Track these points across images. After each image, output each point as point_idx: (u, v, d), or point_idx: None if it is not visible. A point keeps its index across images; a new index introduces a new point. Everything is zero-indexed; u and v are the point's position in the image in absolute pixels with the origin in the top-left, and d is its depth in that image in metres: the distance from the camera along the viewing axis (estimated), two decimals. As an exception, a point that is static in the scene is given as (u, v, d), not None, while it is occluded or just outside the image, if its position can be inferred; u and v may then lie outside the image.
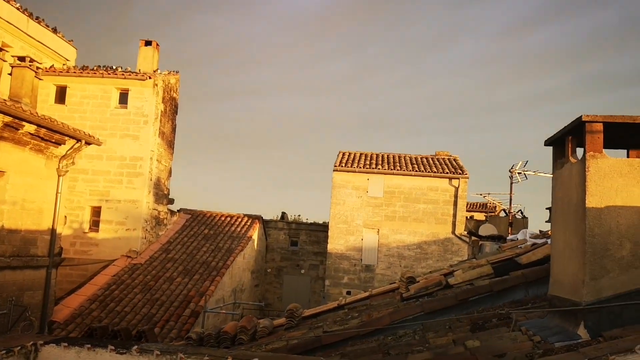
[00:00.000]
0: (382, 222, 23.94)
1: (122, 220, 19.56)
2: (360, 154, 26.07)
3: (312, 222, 27.84)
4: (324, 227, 26.22)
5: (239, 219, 24.88)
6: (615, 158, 4.24)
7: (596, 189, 4.17)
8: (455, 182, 23.95)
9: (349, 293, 21.54)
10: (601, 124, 4.23)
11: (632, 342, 2.43)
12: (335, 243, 23.72)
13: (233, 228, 23.79)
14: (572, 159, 4.55)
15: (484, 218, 30.76)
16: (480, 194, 31.32)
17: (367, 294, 9.14)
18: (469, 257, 17.63)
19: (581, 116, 4.26)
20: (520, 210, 25.98)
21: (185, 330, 14.46)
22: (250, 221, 24.75)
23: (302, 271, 26.31)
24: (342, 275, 23.64)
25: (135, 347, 2.86)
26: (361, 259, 23.75)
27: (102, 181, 19.67)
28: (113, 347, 2.94)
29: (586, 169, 4.19)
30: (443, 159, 26.33)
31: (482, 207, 39.16)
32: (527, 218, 25.67)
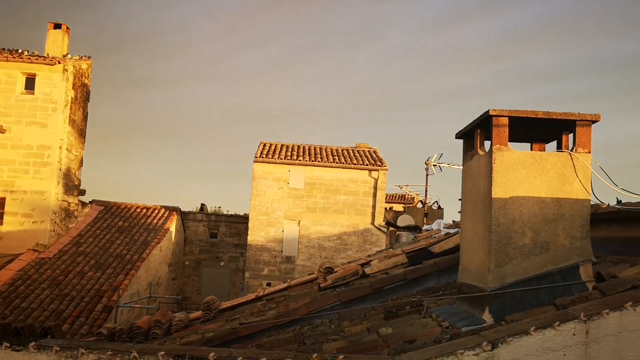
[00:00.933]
0: (303, 213, 24.05)
1: (29, 212, 18.50)
2: (282, 145, 26.03)
3: (232, 213, 27.55)
4: (244, 219, 26.01)
5: (156, 211, 24.19)
6: (519, 151, 4.45)
7: (501, 180, 4.35)
8: (375, 174, 24.43)
9: (269, 285, 21.51)
10: (507, 118, 4.41)
11: (528, 324, 2.56)
12: (256, 235, 23.59)
13: (149, 220, 23.10)
14: (480, 152, 4.72)
15: (402, 209, 31.62)
16: (399, 186, 32.17)
17: (285, 285, 9.15)
18: (387, 247, 18.08)
19: (488, 110, 4.42)
20: (437, 201, 26.91)
21: (97, 326, 13.91)
22: (167, 213, 24.13)
23: (222, 263, 26.00)
24: (262, 267, 23.56)
25: (33, 343, 2.69)
26: (282, 251, 23.77)
27: (6, 171, 18.51)
28: (8, 345, 2.75)
29: (492, 161, 4.36)
30: (363, 151, 26.77)
31: (401, 198, 40.26)
32: (442, 209, 26.64)
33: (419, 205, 30.36)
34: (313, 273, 10.18)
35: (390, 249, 11.41)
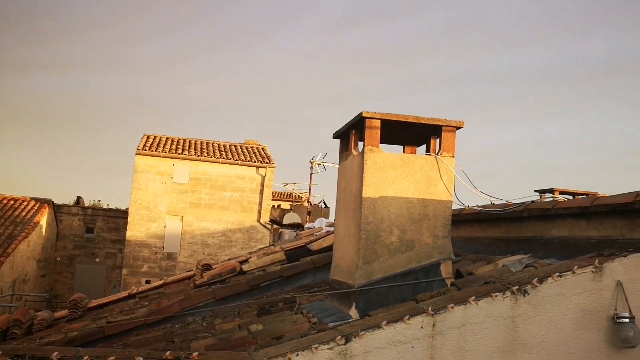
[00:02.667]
0: (187, 209, 23.48)
1: None
2: (167, 138, 25.23)
3: (112, 207, 26.29)
4: (124, 214, 24.90)
5: (25, 203, 22.49)
6: (389, 153, 4.62)
7: (372, 180, 4.50)
8: (262, 171, 24.40)
9: (148, 282, 20.77)
10: (379, 120, 4.57)
11: (381, 319, 2.68)
12: (136, 230, 22.68)
13: (17, 212, 21.42)
14: (354, 152, 4.86)
15: (290, 207, 31.85)
16: (286, 184, 32.36)
17: (161, 282, 8.88)
18: (270, 244, 18.13)
19: (362, 112, 4.56)
20: (323, 200, 27.39)
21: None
22: (38, 205, 22.52)
23: (97, 260, 24.71)
24: (141, 263, 22.70)
25: None
26: (163, 247, 23.05)
27: None
28: None
29: (364, 162, 4.50)
30: (252, 147, 26.64)
31: (289, 196, 40.54)
32: (329, 207, 27.17)
33: (307, 203, 30.77)
34: (191, 270, 9.97)
35: (272, 246, 11.45)
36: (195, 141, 25.73)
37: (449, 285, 4.39)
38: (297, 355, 2.48)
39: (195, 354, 2.35)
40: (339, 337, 2.58)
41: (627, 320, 2.90)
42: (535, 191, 8.49)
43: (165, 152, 23.21)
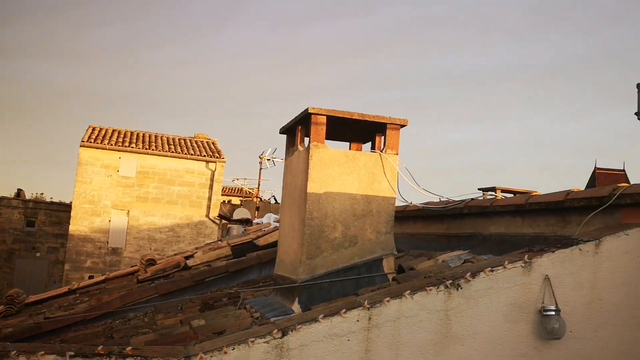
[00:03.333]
0: (134, 203, 23.00)
1: None
2: (113, 131, 24.61)
3: (54, 201, 25.47)
4: (67, 207, 24.17)
5: (-38, 195, 21.55)
6: (335, 149, 4.67)
7: (317, 176, 4.54)
8: (212, 166, 24.14)
9: (91, 277, 20.25)
10: (325, 116, 4.61)
11: (318, 312, 2.72)
12: (79, 224, 22.05)
13: (-48, 205, 20.50)
14: (300, 148, 4.88)
15: (240, 202, 31.60)
16: (236, 179, 32.10)
17: (103, 277, 8.67)
18: (218, 240, 17.96)
19: (308, 108, 4.59)
20: (273, 195, 27.33)
21: None
22: (-25, 198, 21.60)
23: (38, 254, 23.91)
24: (84, 258, 22.10)
25: None
26: (108, 242, 22.51)
27: None
28: None
29: (309, 157, 4.53)
30: (202, 141, 26.30)
31: (239, 192, 40.23)
32: (279, 203, 27.10)
33: (257, 199, 30.60)
34: (136, 265, 9.79)
35: (219, 242, 11.37)
36: (143, 134, 25.20)
37: (390, 280, 4.48)
38: (234, 349, 2.49)
39: (128, 348, 2.33)
40: (275, 331, 2.60)
41: (553, 312, 3.04)
42: (479, 189, 8.75)
43: (112, 145, 22.64)
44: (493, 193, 7.39)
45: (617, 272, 3.26)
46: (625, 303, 3.26)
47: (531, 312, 3.09)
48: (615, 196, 3.58)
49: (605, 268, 3.25)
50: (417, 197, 5.37)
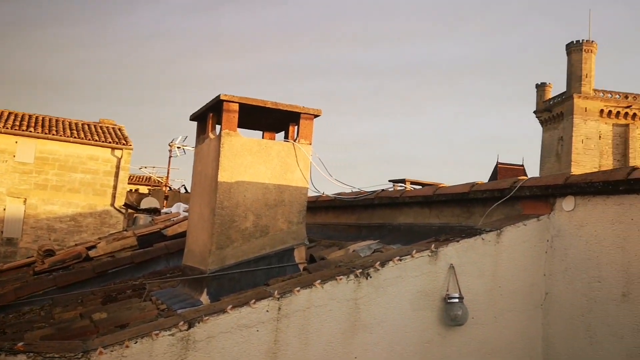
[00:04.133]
0: (31, 190, 21.64)
1: None
2: (9, 113, 22.98)
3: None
4: (-45, 194, 22.35)
5: None
6: (247, 137, 4.59)
7: (228, 164, 4.44)
8: (118, 153, 23.16)
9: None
10: (237, 104, 4.51)
11: (227, 303, 2.65)
12: (-31, 213, 20.48)
13: None
14: (211, 135, 4.76)
15: (148, 191, 30.58)
16: (144, 167, 31.02)
17: (-5, 269, 8.08)
18: (123, 229, 17.28)
19: (220, 95, 4.47)
20: (184, 184, 26.65)
21: None
22: None
23: None
24: (-25, 249, 20.58)
25: None
26: (2, 231, 21.04)
27: None
28: None
29: (221, 146, 4.42)
30: (107, 127, 25.15)
31: (148, 180, 38.93)
32: (189, 193, 26.44)
33: (167, 188, 29.74)
34: (32, 256, 9.21)
35: (124, 232, 10.92)
36: (42, 117, 23.72)
37: (301, 270, 4.47)
38: (136, 342, 2.37)
39: (20, 344, 2.15)
40: (181, 323, 2.50)
41: (457, 300, 3.14)
42: (389, 181, 8.96)
43: (7, 128, 21.14)
44: (403, 185, 7.60)
45: (515, 260, 3.42)
46: (523, 290, 3.43)
47: (436, 299, 3.18)
48: (516, 188, 3.75)
49: (505, 257, 3.40)
50: (329, 188, 5.39)
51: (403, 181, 8.24)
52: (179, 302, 4.38)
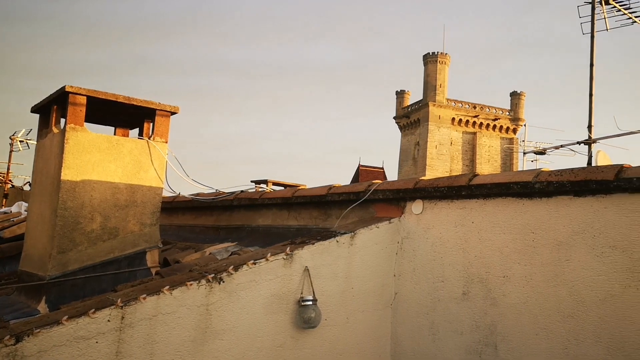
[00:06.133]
0: None
1: None
2: None
3: None
4: None
5: None
6: (96, 133, 4.27)
7: (73, 161, 4.10)
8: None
9: None
10: (85, 97, 4.18)
11: (64, 313, 2.42)
12: None
13: None
14: (54, 130, 4.37)
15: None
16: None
17: None
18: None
19: (65, 86, 4.11)
20: (28, 182, 24.44)
21: None
22: None
23: None
24: None
25: None
26: None
27: None
28: None
29: (65, 141, 4.07)
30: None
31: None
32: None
33: (10, 185, 27.11)
34: None
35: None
36: None
37: (153, 275, 4.25)
38: (-54, 363, 2.07)
39: None
40: (7, 337, 2.23)
41: (311, 302, 3.15)
42: (251, 181, 8.87)
43: None
44: (264, 185, 7.54)
45: (368, 262, 3.51)
46: (374, 290, 3.53)
47: (291, 302, 3.16)
48: (370, 192, 3.86)
49: (358, 259, 3.47)
50: (188, 188, 5.20)
51: (265, 182, 8.20)
52: (13, 312, 3.96)
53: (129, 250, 4.38)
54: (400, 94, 73.18)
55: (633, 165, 2.68)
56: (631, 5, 11.38)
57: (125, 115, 4.75)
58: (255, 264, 3.04)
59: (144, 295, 2.60)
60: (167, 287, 2.69)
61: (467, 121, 69.34)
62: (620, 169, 2.63)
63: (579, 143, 11.20)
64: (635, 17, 11.35)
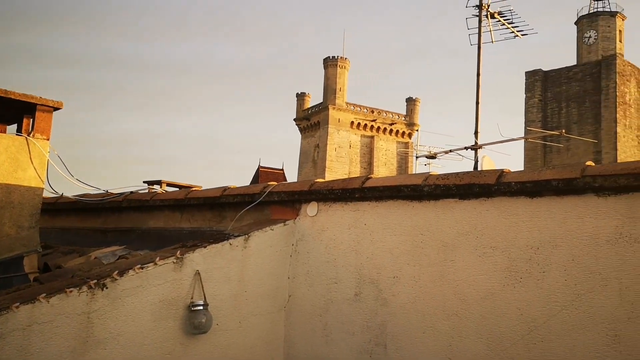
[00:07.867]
0: None
1: None
2: None
3: None
4: None
5: None
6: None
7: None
8: None
9: None
10: (-47, 87, 3.81)
11: None
12: None
13: None
14: None
15: None
16: None
17: None
18: None
19: None
20: None
21: None
22: None
23: None
24: None
25: None
26: None
27: None
28: None
29: None
30: None
31: None
32: None
33: None
34: None
35: None
36: None
37: (32, 281, 3.95)
38: None
39: None
40: None
41: (201, 307, 3.06)
42: (144, 182, 8.53)
43: None
44: (157, 187, 7.28)
45: (262, 264, 3.47)
46: (268, 293, 3.50)
47: (180, 308, 3.05)
48: (265, 194, 3.82)
49: (252, 261, 3.42)
50: (73, 189, 4.89)
51: (159, 182, 7.93)
52: None
53: (4, 255, 4.06)
54: (301, 96, 73.90)
55: (512, 170, 2.84)
56: (514, 20, 12.22)
57: (2, 110, 4.39)
58: (142, 268, 2.90)
59: (17, 304, 2.39)
60: (44, 294, 2.50)
61: (366, 125, 71.28)
62: (500, 173, 2.79)
63: (466, 148, 11.85)
64: (518, 31, 12.21)
